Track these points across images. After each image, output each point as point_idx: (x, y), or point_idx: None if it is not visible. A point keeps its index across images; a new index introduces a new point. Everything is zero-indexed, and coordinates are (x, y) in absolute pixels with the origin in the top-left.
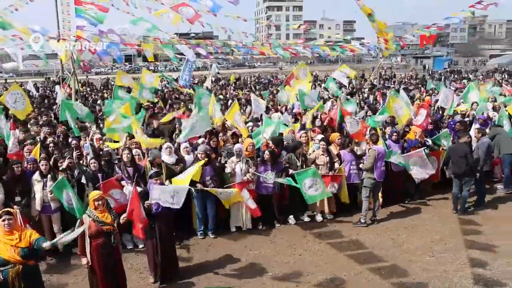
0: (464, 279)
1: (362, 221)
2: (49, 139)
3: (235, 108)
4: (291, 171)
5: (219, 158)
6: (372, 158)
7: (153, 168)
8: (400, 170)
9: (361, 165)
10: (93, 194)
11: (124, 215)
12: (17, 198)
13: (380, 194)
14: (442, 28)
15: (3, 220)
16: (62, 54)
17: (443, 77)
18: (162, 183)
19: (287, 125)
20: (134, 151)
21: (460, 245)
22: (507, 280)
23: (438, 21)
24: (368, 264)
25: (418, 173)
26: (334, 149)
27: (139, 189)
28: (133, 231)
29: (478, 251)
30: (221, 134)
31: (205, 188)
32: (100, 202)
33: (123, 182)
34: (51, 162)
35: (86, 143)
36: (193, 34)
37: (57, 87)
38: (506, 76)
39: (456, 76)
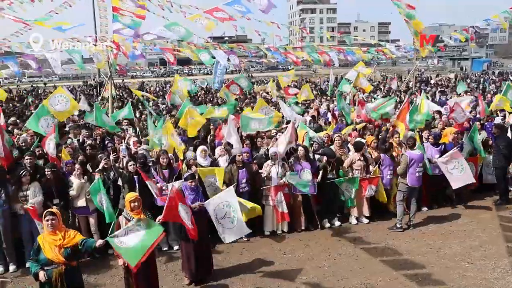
0: None
1: (398, 225)
2: (88, 142)
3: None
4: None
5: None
6: (404, 163)
7: (189, 170)
8: (438, 174)
9: (397, 169)
10: (129, 196)
11: (160, 217)
12: (55, 201)
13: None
14: (472, 37)
15: (47, 220)
16: (99, 61)
17: (482, 79)
18: (197, 186)
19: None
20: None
21: (501, 252)
22: None
23: (475, 23)
24: (404, 270)
25: (457, 180)
26: (371, 151)
27: (176, 184)
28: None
29: None
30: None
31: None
32: (135, 204)
33: (158, 185)
34: (88, 166)
35: (122, 145)
36: (226, 38)
37: (82, 97)
38: None
39: (494, 78)
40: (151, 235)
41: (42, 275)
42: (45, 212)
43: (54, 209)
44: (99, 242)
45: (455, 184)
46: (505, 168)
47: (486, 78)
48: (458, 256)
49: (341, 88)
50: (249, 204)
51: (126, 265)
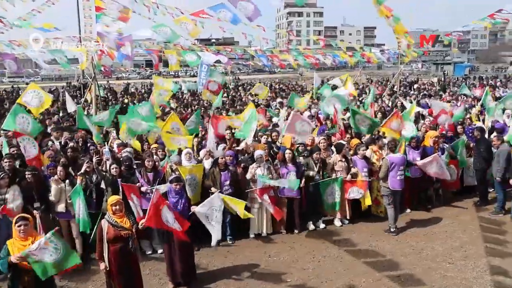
0: (484, 287)
1: (392, 229)
2: (70, 144)
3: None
4: (311, 173)
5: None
6: (385, 167)
7: (173, 173)
8: (418, 177)
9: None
10: (111, 199)
11: (143, 221)
12: (36, 204)
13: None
14: (459, 38)
15: (19, 226)
16: (82, 60)
17: (464, 84)
18: (181, 189)
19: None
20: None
21: (480, 252)
22: None
23: (458, 28)
24: (387, 271)
25: (435, 174)
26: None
27: (161, 188)
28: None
29: (498, 258)
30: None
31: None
32: (117, 207)
33: (142, 188)
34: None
35: (105, 148)
36: (213, 40)
37: (67, 96)
38: None
39: (475, 82)
40: (67, 261)
41: (13, 257)
42: (16, 217)
43: (27, 215)
44: (12, 257)
45: (433, 174)
46: (485, 170)
47: (467, 82)
48: (439, 256)
49: (322, 91)
50: (236, 203)
51: (108, 269)
